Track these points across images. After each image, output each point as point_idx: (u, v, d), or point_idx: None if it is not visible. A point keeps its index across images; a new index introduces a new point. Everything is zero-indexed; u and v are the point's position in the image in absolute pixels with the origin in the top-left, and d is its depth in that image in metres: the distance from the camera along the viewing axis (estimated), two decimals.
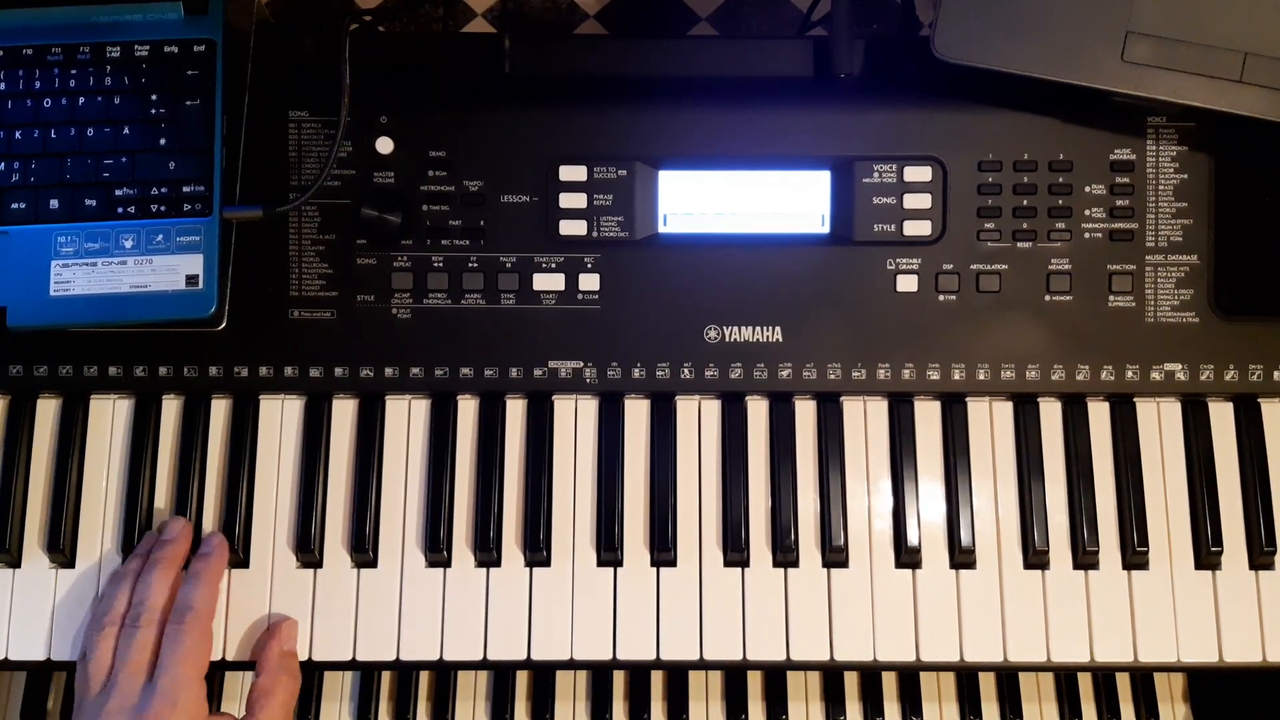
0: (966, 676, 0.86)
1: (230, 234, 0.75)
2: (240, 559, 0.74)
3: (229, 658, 0.73)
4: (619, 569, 0.74)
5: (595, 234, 0.76)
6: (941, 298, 0.76)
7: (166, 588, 0.70)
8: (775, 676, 0.85)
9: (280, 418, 0.77)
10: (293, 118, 0.77)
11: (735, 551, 0.74)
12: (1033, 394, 0.76)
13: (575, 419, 0.77)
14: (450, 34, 0.97)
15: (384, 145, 0.76)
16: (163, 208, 0.73)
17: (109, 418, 0.76)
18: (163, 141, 0.74)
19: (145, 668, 0.67)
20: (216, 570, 0.72)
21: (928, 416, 0.77)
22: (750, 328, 0.76)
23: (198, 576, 0.70)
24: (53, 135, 0.74)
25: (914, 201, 0.76)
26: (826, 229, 0.77)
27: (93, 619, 0.71)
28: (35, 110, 0.74)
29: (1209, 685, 0.87)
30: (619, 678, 0.86)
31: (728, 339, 0.76)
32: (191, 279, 0.72)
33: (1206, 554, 0.74)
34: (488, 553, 0.74)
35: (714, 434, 0.76)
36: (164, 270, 0.72)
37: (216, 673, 0.83)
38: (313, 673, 0.85)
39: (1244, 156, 0.76)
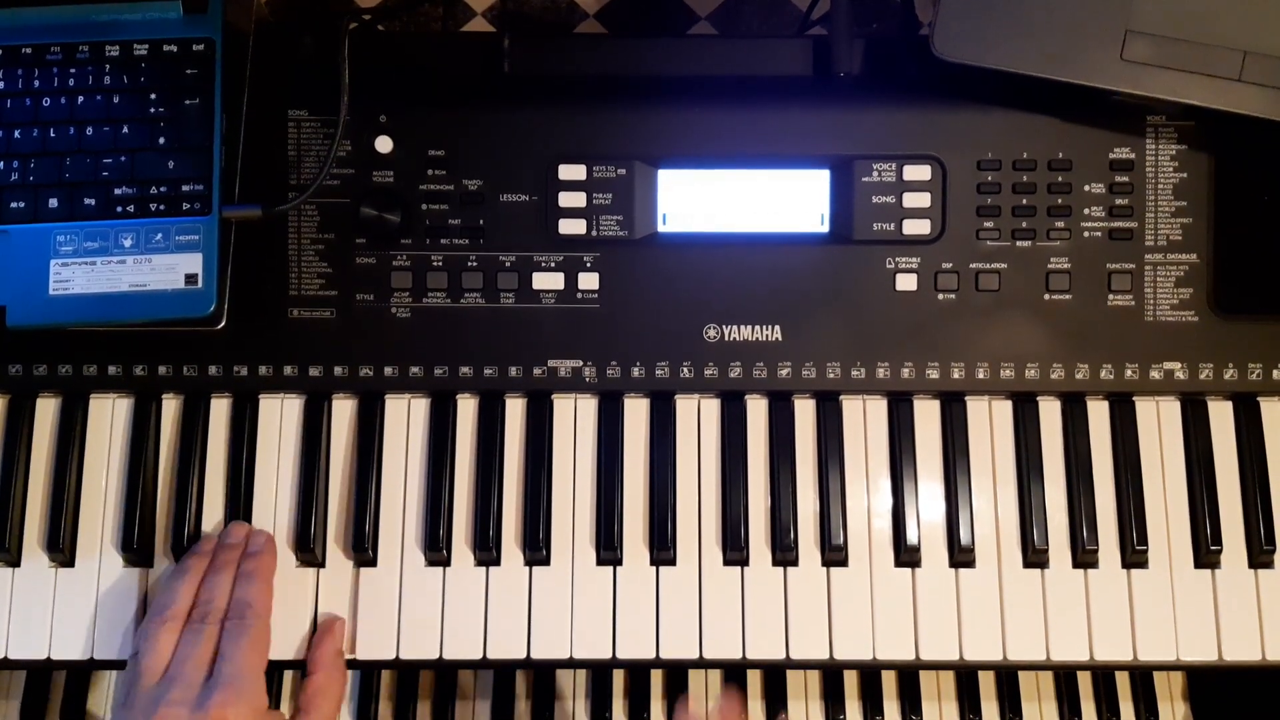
0: (966, 675, 0.86)
1: (229, 233, 0.75)
2: None
3: None
4: (618, 568, 0.74)
5: (595, 233, 0.76)
6: (941, 297, 0.76)
7: (229, 588, 0.71)
8: (775, 675, 0.85)
9: (280, 417, 0.77)
10: (292, 117, 0.77)
11: (735, 550, 0.74)
12: (1032, 393, 0.76)
13: (575, 418, 0.77)
14: (450, 33, 0.97)
15: (383, 144, 0.76)
16: (162, 207, 0.73)
17: (108, 417, 0.76)
18: (162, 141, 0.74)
19: (208, 662, 0.67)
20: (269, 567, 0.73)
21: (927, 415, 0.77)
22: (750, 327, 0.76)
23: (252, 575, 0.71)
24: (52, 134, 0.74)
25: (913, 200, 0.76)
26: (826, 228, 0.77)
27: (151, 612, 0.70)
28: (34, 109, 0.74)
29: (1209, 684, 0.87)
30: (619, 676, 0.86)
31: (727, 338, 0.76)
32: (191, 278, 0.72)
33: (1206, 553, 0.74)
34: (487, 552, 0.74)
35: (713, 433, 0.76)
36: (163, 269, 0.72)
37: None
38: None
39: (1244, 156, 0.76)
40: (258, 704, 0.66)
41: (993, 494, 0.75)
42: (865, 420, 0.77)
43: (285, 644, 0.73)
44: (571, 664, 0.74)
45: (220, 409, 0.77)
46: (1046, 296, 0.76)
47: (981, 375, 0.75)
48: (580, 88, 0.78)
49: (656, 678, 0.86)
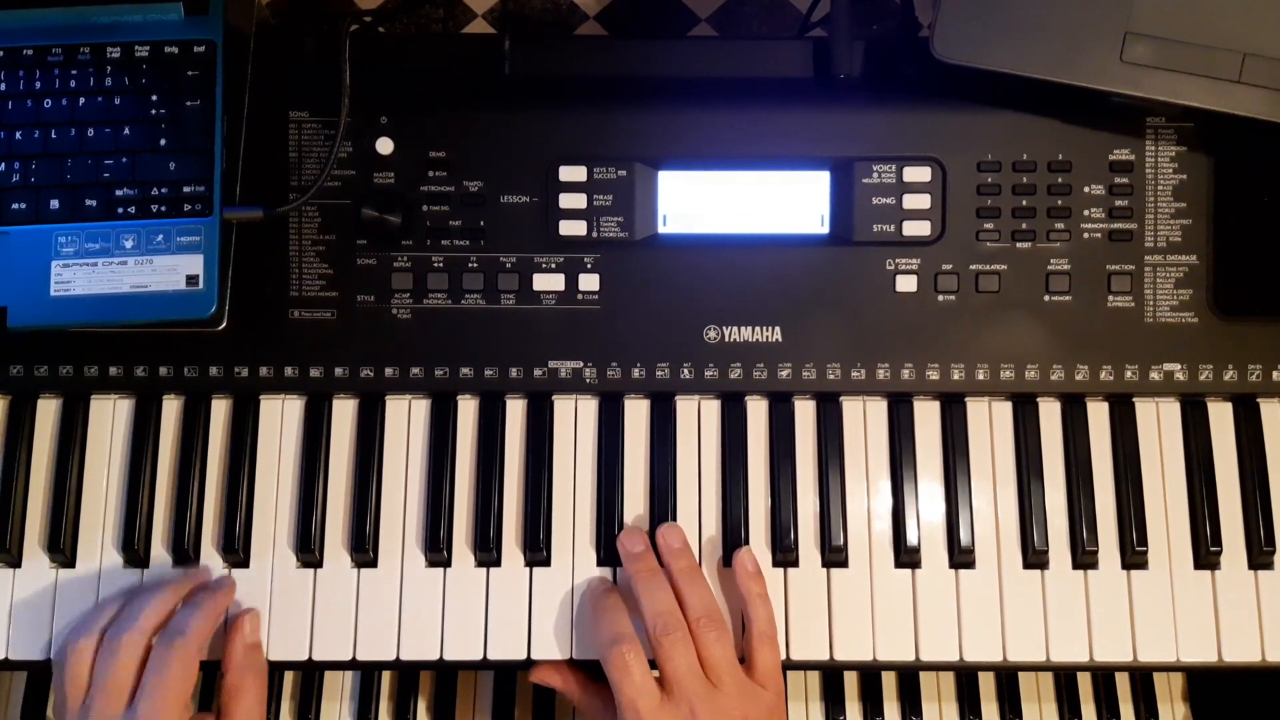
0: (966, 676, 0.86)
1: (230, 234, 0.75)
2: (240, 559, 0.74)
3: None
4: (619, 569, 0.74)
5: (595, 234, 0.76)
6: (941, 298, 0.76)
7: (162, 610, 0.69)
8: None
9: (280, 418, 0.77)
10: (293, 118, 0.77)
11: (735, 551, 0.74)
12: (1032, 394, 0.76)
13: (575, 419, 0.77)
14: (450, 35, 0.97)
15: (384, 146, 0.76)
16: (163, 208, 0.73)
17: (109, 418, 0.77)
18: (163, 142, 0.74)
19: (126, 692, 0.65)
20: (221, 606, 0.71)
21: (927, 416, 0.77)
22: (750, 328, 0.76)
23: (199, 604, 0.69)
24: (53, 136, 0.74)
25: (913, 202, 0.76)
26: (826, 229, 0.77)
27: (79, 624, 0.69)
28: (36, 111, 0.74)
29: (1208, 685, 0.87)
30: None
31: (727, 339, 0.76)
32: (192, 279, 0.72)
33: (1206, 554, 0.74)
34: (488, 552, 0.74)
35: (714, 434, 0.77)
36: (164, 270, 0.72)
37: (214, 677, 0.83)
38: (313, 673, 0.85)
39: (1243, 156, 0.76)
40: None
41: (993, 495, 0.76)
42: (865, 421, 0.77)
43: (286, 645, 0.73)
44: (572, 665, 0.74)
45: (221, 410, 0.77)
46: (1046, 298, 0.76)
47: (981, 376, 0.76)
48: (581, 89, 0.79)
49: None
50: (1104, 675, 0.87)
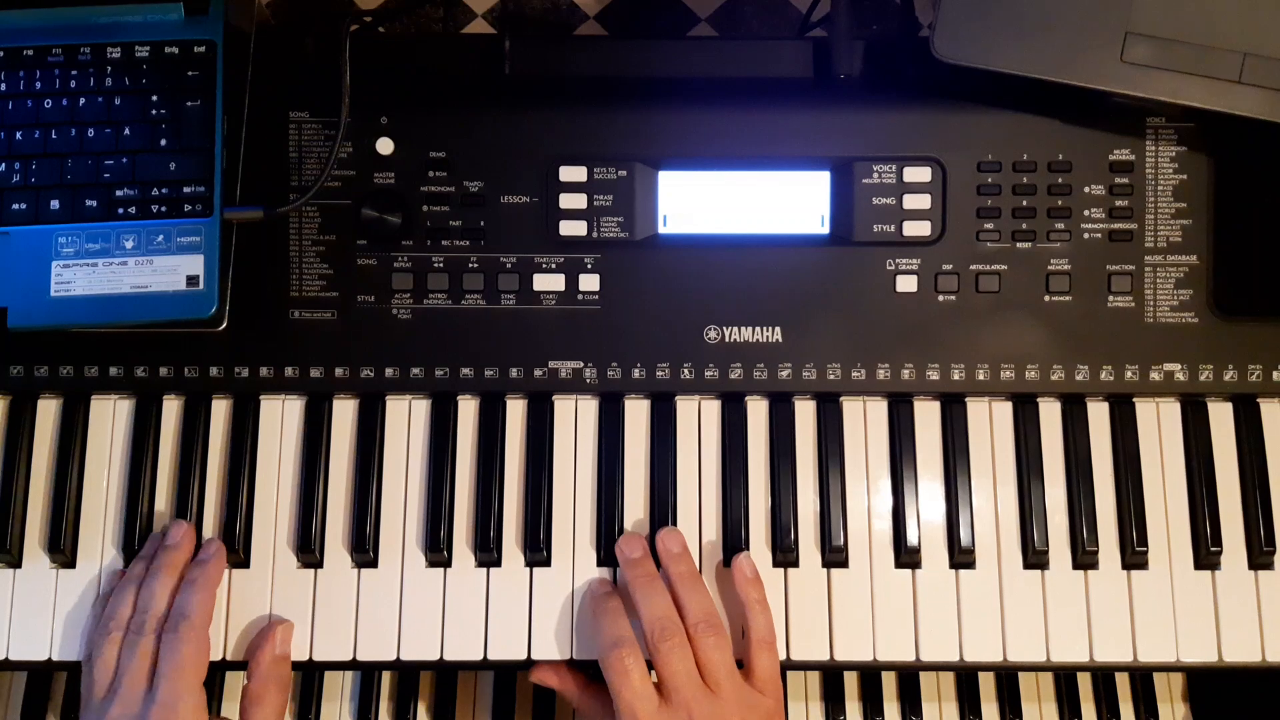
0: (966, 676, 0.86)
1: (231, 235, 0.75)
2: (241, 559, 0.74)
3: (230, 658, 0.73)
4: (619, 569, 0.74)
5: (595, 234, 0.76)
6: (941, 298, 0.76)
7: (168, 594, 0.70)
8: None
9: (281, 418, 0.77)
10: (293, 118, 0.77)
11: (735, 551, 0.74)
12: (1032, 394, 0.76)
13: (575, 419, 0.77)
14: (450, 35, 0.97)
15: (384, 146, 0.76)
16: (163, 208, 0.73)
17: (110, 418, 0.77)
18: (163, 142, 0.74)
19: (146, 675, 0.67)
20: (213, 577, 0.72)
21: (927, 417, 0.77)
22: (750, 328, 0.76)
23: (194, 583, 0.70)
24: (53, 136, 0.74)
25: (913, 202, 0.76)
26: (826, 229, 0.77)
27: (100, 622, 0.71)
28: (36, 111, 0.74)
29: (1208, 685, 0.87)
30: None
31: (727, 339, 0.76)
32: (192, 279, 0.72)
33: (1206, 554, 0.74)
34: (488, 553, 0.74)
35: (714, 434, 0.77)
36: (165, 271, 0.72)
37: (217, 673, 0.83)
38: (313, 673, 0.85)
39: (1243, 156, 0.76)
40: (194, 719, 0.67)
41: (993, 495, 0.76)
42: (865, 421, 0.77)
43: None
44: (572, 665, 0.74)
45: (221, 410, 0.77)
46: (1046, 298, 0.76)
47: (982, 376, 0.76)
48: (581, 89, 0.79)
49: None
50: (1104, 675, 0.87)
